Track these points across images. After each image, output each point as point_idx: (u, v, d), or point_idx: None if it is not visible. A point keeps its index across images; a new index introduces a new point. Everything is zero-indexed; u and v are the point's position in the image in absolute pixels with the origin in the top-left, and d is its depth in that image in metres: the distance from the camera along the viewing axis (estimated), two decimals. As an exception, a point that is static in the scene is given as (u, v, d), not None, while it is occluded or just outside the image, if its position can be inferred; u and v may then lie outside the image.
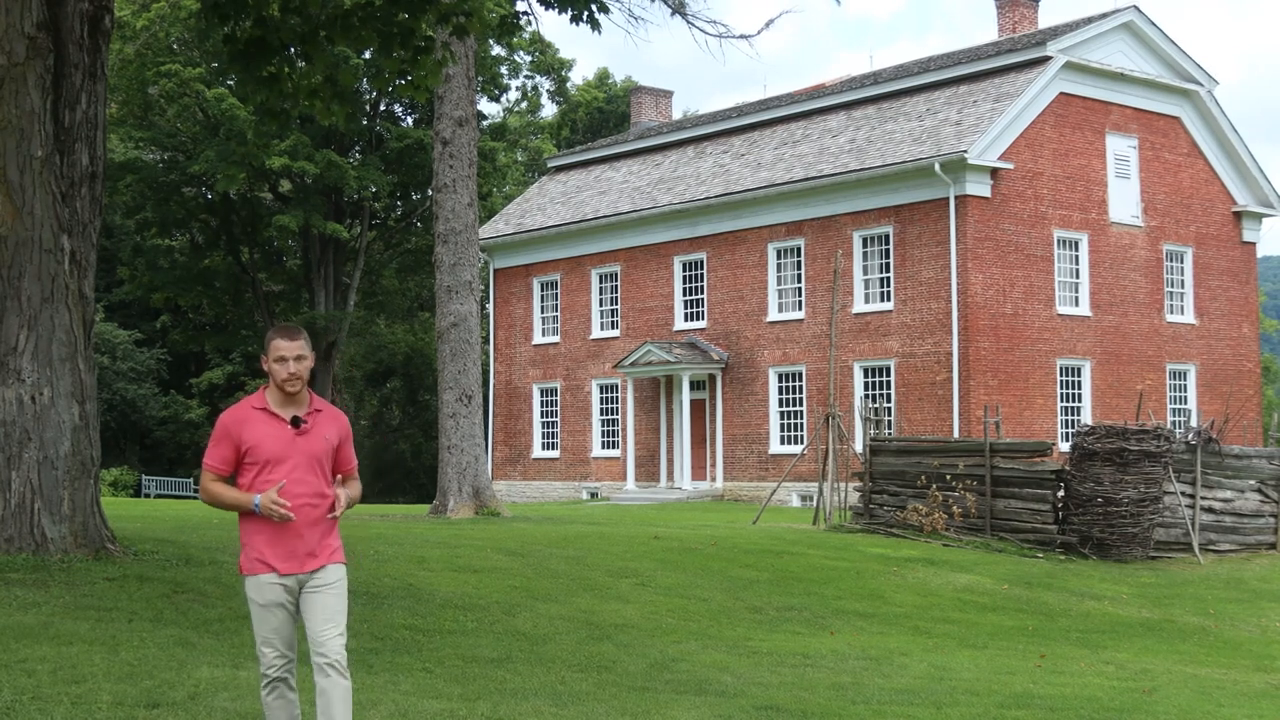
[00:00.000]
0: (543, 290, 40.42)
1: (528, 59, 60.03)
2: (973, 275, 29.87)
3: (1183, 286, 34.51)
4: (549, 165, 45.99)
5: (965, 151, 29.36)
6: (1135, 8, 33.25)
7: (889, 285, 31.54)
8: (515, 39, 52.53)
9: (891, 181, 31.23)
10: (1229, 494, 22.60)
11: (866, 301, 32.06)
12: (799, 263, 33.50)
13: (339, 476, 6.24)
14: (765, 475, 33.60)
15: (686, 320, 36.23)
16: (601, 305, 38.67)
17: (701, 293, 35.86)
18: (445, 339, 23.57)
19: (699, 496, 34.43)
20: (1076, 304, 32.08)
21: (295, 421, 6.04)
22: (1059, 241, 31.72)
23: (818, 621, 13.69)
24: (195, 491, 48.59)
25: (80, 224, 12.46)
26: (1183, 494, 21.60)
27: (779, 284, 34.02)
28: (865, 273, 32.06)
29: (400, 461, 57.47)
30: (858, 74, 39.06)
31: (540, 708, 8.19)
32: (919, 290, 30.79)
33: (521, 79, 60.62)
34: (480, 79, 49.30)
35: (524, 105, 61.37)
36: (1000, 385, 30.09)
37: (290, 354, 6.05)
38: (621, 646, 11.05)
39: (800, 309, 33.45)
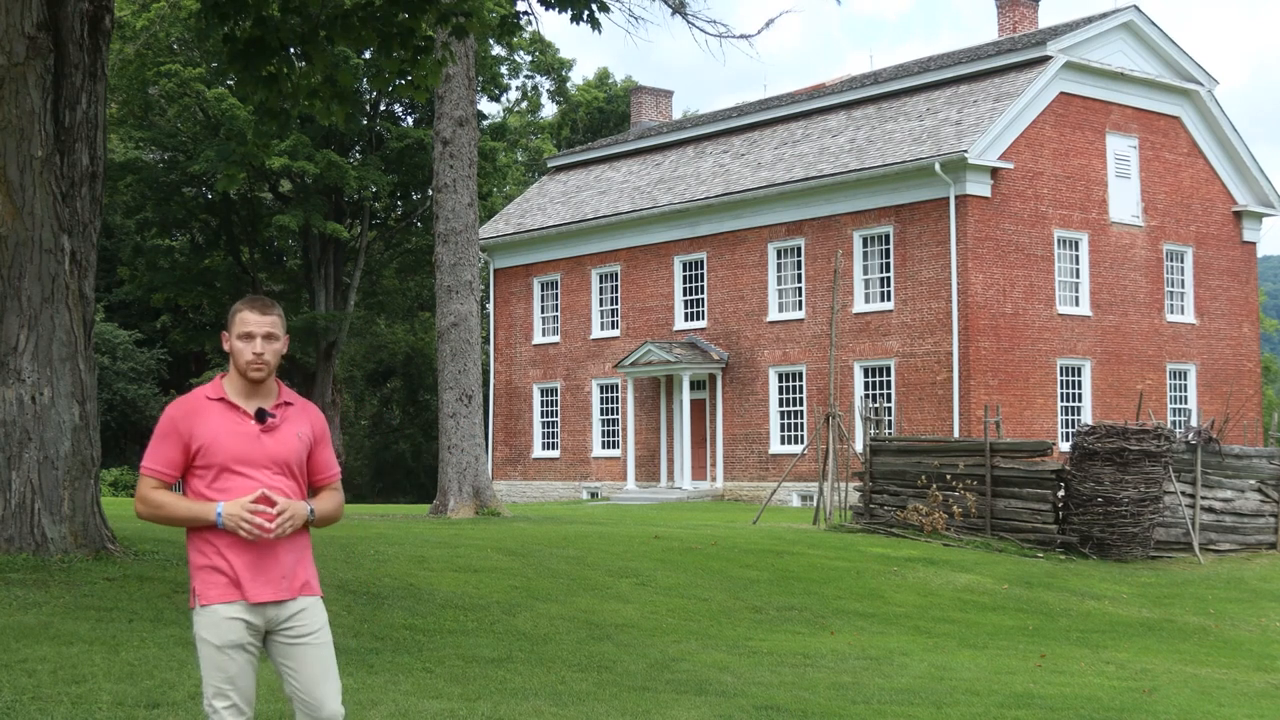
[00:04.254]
0: (543, 290, 40.41)
1: (528, 59, 60.10)
2: (973, 275, 29.87)
3: (1183, 286, 34.50)
4: (549, 165, 45.98)
5: (965, 151, 29.35)
6: (1135, 7, 33.24)
7: (889, 285, 31.53)
8: (515, 39, 52.57)
9: (891, 181, 31.23)
10: (1229, 494, 22.60)
11: (866, 301, 32.05)
12: (799, 262, 33.49)
13: (315, 487, 4.94)
14: (765, 475, 33.59)
15: (686, 320, 36.22)
16: (601, 305, 38.66)
17: (701, 293, 35.85)
18: (445, 339, 23.58)
19: (699, 496, 34.42)
20: (1076, 304, 32.08)
21: (260, 415, 4.78)
22: (1059, 241, 31.71)
23: (818, 621, 13.69)
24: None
25: (80, 224, 12.46)
26: (1183, 494, 21.59)
27: (779, 284, 34.02)
28: (865, 272, 32.05)
29: (400, 461, 57.44)
30: (858, 74, 39.06)
31: (540, 708, 8.19)
32: (919, 290, 30.78)
33: (521, 79, 60.69)
34: (480, 79, 49.30)
35: (524, 105, 61.39)
36: (1000, 385, 30.08)
37: (259, 330, 4.79)
38: (622, 646, 11.04)
39: (800, 309, 33.45)
